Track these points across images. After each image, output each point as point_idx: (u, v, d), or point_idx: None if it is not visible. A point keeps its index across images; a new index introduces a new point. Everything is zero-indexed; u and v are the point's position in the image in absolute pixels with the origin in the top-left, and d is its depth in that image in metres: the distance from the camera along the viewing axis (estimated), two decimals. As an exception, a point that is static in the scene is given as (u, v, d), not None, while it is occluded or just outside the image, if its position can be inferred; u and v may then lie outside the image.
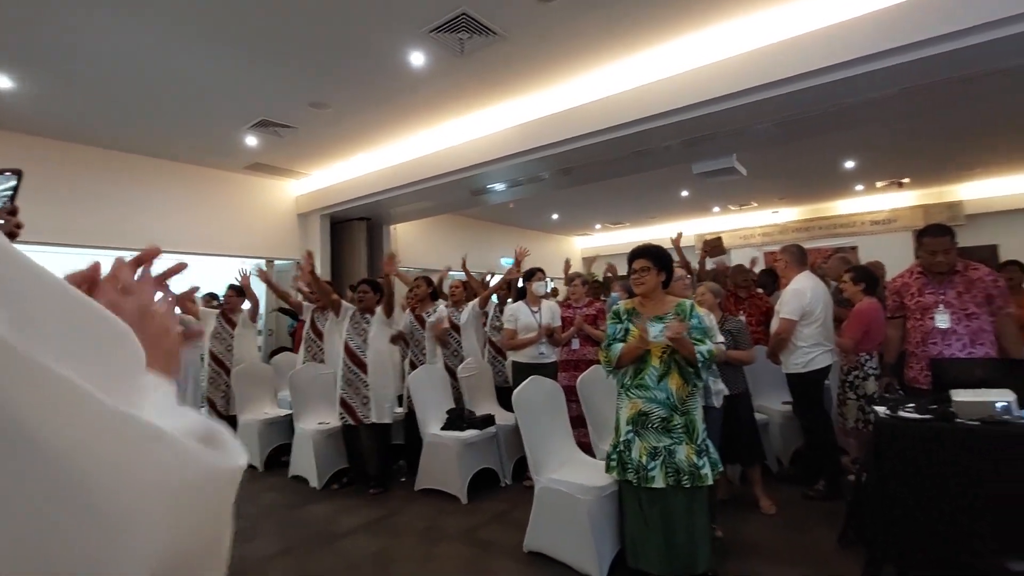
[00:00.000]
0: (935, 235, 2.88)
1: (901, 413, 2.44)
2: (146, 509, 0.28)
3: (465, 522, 3.38)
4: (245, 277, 4.86)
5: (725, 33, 3.99)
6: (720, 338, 3.10)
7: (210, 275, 5.51)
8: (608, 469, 2.61)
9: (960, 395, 2.29)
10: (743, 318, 3.94)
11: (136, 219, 5.95)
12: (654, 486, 2.39)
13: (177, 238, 6.23)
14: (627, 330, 2.56)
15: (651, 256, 2.60)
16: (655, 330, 2.48)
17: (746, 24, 3.89)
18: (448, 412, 4.08)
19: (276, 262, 7.55)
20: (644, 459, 2.44)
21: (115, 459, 0.27)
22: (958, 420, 2.24)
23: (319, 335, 4.73)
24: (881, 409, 2.55)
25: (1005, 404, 2.16)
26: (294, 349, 5.89)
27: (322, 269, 7.04)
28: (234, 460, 0.36)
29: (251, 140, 5.76)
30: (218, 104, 4.84)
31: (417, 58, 4.12)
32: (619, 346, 2.53)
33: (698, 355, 2.38)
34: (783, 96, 3.93)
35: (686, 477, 2.38)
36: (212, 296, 5.64)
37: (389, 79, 4.45)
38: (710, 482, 2.43)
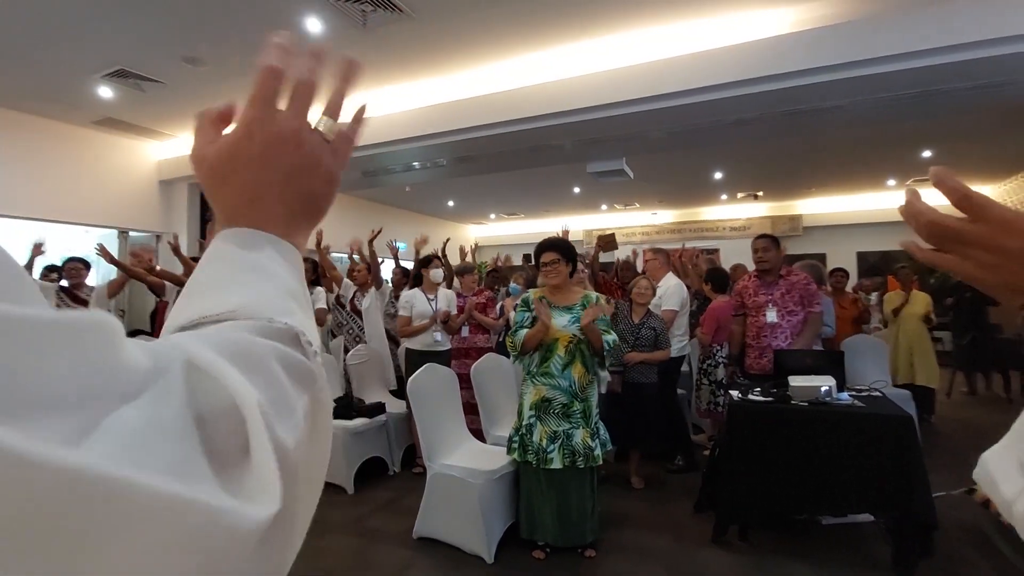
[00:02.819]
0: (757, 239, 3.67)
1: (750, 396, 2.83)
2: None
3: (352, 512, 3.30)
4: (105, 250, 4.22)
5: (623, 43, 4.24)
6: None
7: (51, 244, 4.63)
8: (509, 451, 2.76)
9: (795, 380, 2.72)
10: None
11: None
12: (552, 467, 2.58)
13: (9, 199, 5.22)
14: (535, 318, 2.69)
15: (559, 249, 2.77)
16: (564, 320, 2.66)
17: (642, 37, 4.17)
18: (336, 400, 3.93)
19: (132, 233, 6.63)
20: (544, 442, 2.61)
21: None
22: (793, 402, 2.66)
23: None
24: (735, 393, 2.94)
25: (827, 388, 2.61)
26: (154, 333, 5.22)
27: (189, 246, 6.32)
28: (253, 510, 0.22)
29: (105, 91, 4.98)
30: (63, 43, 4.11)
31: (314, 24, 3.85)
32: (524, 332, 2.66)
33: (604, 344, 2.60)
34: (668, 108, 4.31)
35: (581, 458, 2.60)
36: (52, 268, 4.81)
37: (280, 43, 4.10)
38: (601, 462, 2.68)
